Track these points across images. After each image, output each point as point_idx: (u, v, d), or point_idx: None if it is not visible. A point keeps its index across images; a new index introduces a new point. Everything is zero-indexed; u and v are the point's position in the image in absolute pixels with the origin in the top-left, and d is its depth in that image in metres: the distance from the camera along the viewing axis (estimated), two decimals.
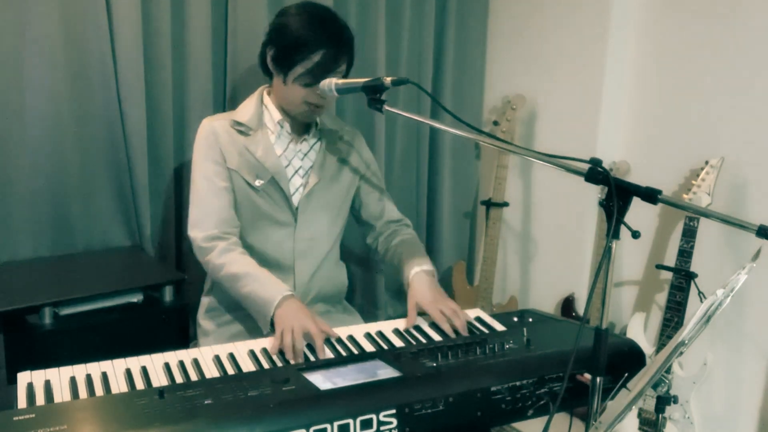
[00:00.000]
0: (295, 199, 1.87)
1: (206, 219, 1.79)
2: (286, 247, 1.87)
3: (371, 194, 2.00)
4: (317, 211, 1.89)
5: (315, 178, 1.87)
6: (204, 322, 1.94)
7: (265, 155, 1.82)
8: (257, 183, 1.82)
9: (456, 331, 1.64)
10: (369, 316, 2.72)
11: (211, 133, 1.81)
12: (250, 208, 1.84)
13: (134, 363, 1.42)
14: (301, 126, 1.90)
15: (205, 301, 1.96)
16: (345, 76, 1.81)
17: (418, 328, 1.67)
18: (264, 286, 1.69)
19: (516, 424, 2.25)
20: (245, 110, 1.87)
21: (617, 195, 1.22)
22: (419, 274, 1.81)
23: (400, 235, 2.00)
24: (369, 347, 1.56)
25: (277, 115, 1.86)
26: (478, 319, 1.72)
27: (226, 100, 2.32)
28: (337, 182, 1.93)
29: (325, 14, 1.80)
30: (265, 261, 1.82)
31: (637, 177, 2.53)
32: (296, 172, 1.88)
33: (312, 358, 1.51)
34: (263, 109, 1.87)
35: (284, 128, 1.87)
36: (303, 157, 1.90)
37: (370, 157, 2.04)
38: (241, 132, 1.83)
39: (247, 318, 1.78)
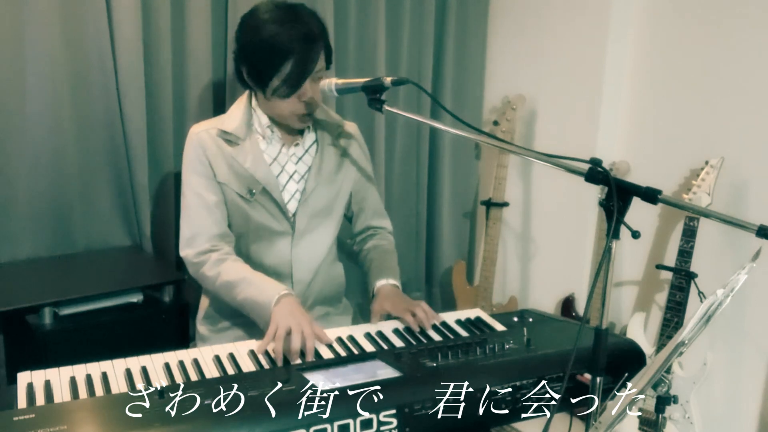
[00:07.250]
0: (291, 207, 1.80)
1: (198, 237, 1.75)
2: (283, 256, 1.81)
3: (358, 193, 1.94)
4: (315, 217, 1.83)
5: (311, 183, 1.80)
6: (202, 327, 1.90)
7: (255, 165, 1.75)
8: (248, 195, 1.75)
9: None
10: (369, 315, 2.71)
11: (199, 146, 1.74)
12: (244, 221, 1.79)
13: (134, 363, 1.42)
14: (294, 129, 1.82)
15: (204, 305, 1.91)
16: (328, 66, 1.75)
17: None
18: (260, 289, 1.66)
19: (516, 424, 2.25)
20: (233, 117, 1.78)
21: (617, 195, 1.22)
22: (386, 287, 1.80)
23: (374, 240, 1.96)
24: (369, 347, 1.56)
25: (266, 120, 1.77)
26: (478, 319, 1.72)
27: (226, 100, 2.32)
28: (335, 183, 1.86)
29: (286, 15, 1.66)
30: (263, 271, 1.78)
31: (637, 177, 2.53)
32: (291, 177, 1.80)
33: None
34: (252, 112, 1.78)
35: (275, 133, 1.79)
36: (297, 161, 1.81)
37: (365, 153, 1.97)
38: (228, 141, 1.75)
39: (246, 324, 1.76)
